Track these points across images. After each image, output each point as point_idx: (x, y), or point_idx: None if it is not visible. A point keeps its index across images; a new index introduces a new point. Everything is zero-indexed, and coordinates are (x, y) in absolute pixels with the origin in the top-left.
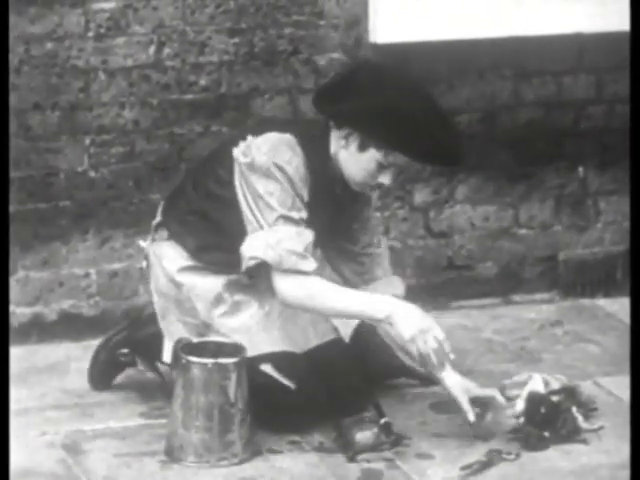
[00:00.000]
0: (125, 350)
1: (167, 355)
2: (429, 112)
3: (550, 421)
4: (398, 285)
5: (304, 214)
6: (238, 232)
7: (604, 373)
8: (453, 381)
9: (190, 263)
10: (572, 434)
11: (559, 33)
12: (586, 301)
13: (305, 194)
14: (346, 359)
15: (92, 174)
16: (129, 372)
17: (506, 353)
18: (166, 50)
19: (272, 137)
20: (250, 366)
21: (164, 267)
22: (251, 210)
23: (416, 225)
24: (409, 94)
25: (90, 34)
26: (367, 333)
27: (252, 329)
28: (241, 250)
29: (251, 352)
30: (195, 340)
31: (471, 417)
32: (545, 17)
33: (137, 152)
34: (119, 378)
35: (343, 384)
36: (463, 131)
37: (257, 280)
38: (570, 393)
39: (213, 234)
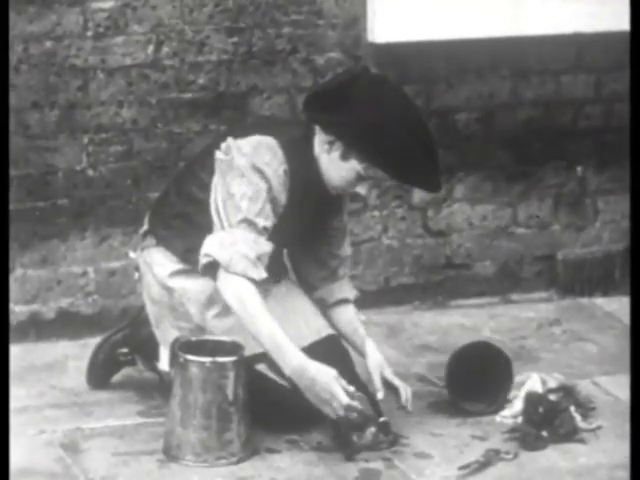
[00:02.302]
0: (125, 349)
1: (164, 363)
2: (417, 137)
3: (548, 421)
4: (349, 290)
5: (269, 223)
6: None
7: (602, 372)
8: (373, 358)
9: (180, 267)
10: (570, 434)
11: (558, 33)
12: (584, 300)
13: (283, 197)
14: (342, 356)
15: (90, 173)
16: (127, 371)
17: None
18: (164, 49)
19: (254, 140)
20: (245, 366)
21: (155, 274)
22: (218, 211)
23: (414, 224)
24: (401, 116)
25: (89, 33)
26: None
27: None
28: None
29: (246, 352)
30: (193, 338)
31: (380, 395)
32: (544, 17)
33: (135, 151)
34: (117, 377)
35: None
36: (461, 130)
37: None
38: (568, 392)
39: (199, 236)
